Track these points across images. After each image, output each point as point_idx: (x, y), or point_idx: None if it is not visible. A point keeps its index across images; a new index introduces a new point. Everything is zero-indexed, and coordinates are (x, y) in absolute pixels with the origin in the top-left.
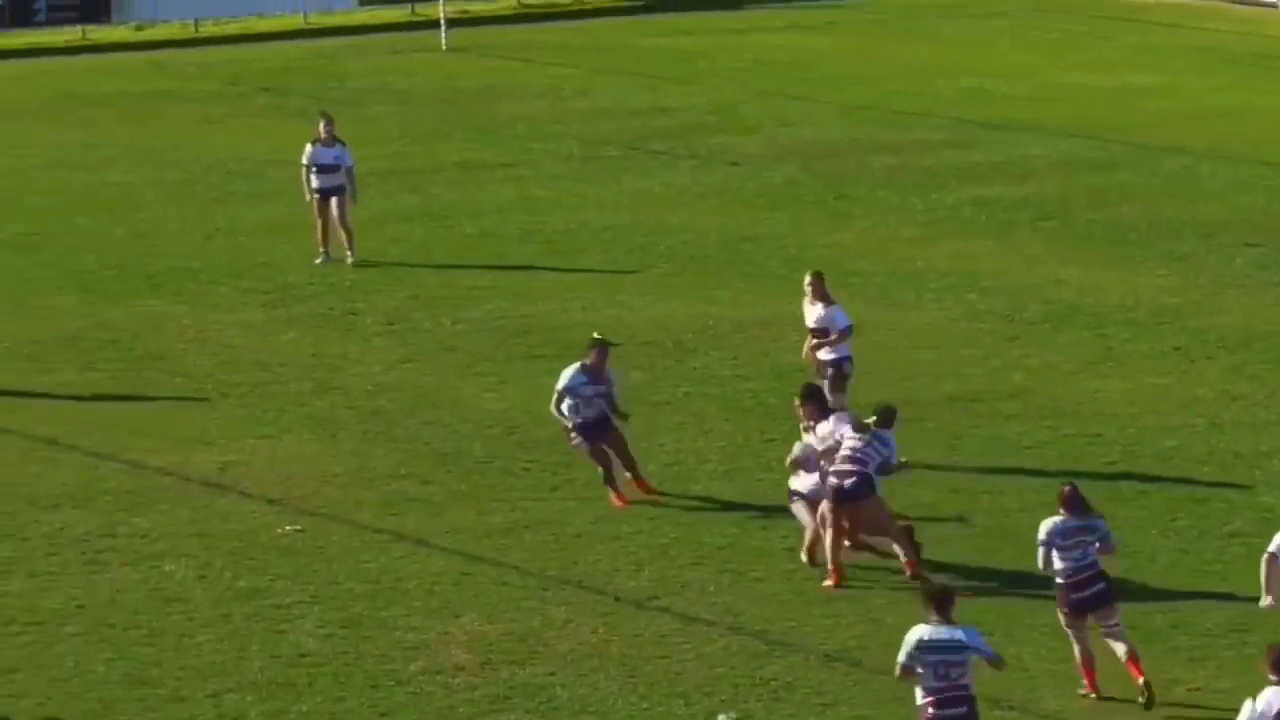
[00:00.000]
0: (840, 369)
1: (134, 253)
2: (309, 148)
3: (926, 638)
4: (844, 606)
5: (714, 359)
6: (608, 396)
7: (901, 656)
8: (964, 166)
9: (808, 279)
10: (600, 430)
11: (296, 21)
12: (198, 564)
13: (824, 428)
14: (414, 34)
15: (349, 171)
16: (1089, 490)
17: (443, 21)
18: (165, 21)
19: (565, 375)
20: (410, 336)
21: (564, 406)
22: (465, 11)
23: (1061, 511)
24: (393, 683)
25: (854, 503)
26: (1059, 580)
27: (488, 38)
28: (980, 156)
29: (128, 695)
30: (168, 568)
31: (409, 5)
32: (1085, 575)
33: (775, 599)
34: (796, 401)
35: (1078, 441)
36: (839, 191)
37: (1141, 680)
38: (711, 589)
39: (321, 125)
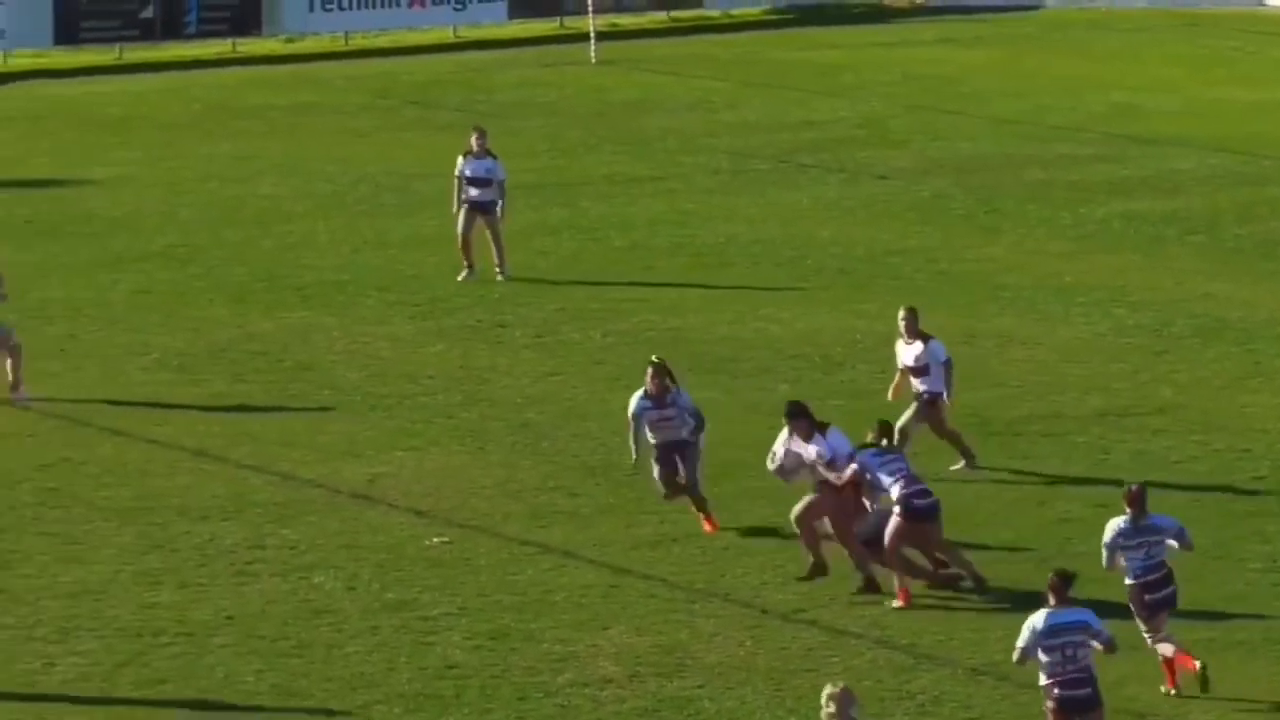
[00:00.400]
0: (935, 402)
1: (283, 265)
2: (461, 160)
3: (1049, 622)
4: (991, 620)
5: (861, 372)
6: (676, 420)
7: (1021, 642)
8: (1113, 181)
9: (901, 314)
10: (667, 455)
11: (446, 35)
12: (346, 575)
13: (812, 448)
14: (563, 47)
15: (501, 185)
16: (1237, 505)
17: (592, 35)
18: (315, 34)
19: (631, 402)
20: (559, 349)
21: (635, 434)
22: (615, 25)
23: (1127, 511)
24: (540, 695)
25: (930, 521)
26: (1129, 581)
27: (637, 51)
28: (1129, 171)
29: (277, 706)
30: (316, 579)
31: (558, 19)
32: (1156, 576)
33: (922, 612)
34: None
35: (1226, 456)
36: (988, 205)
37: (1198, 664)
38: (859, 602)
39: (474, 138)
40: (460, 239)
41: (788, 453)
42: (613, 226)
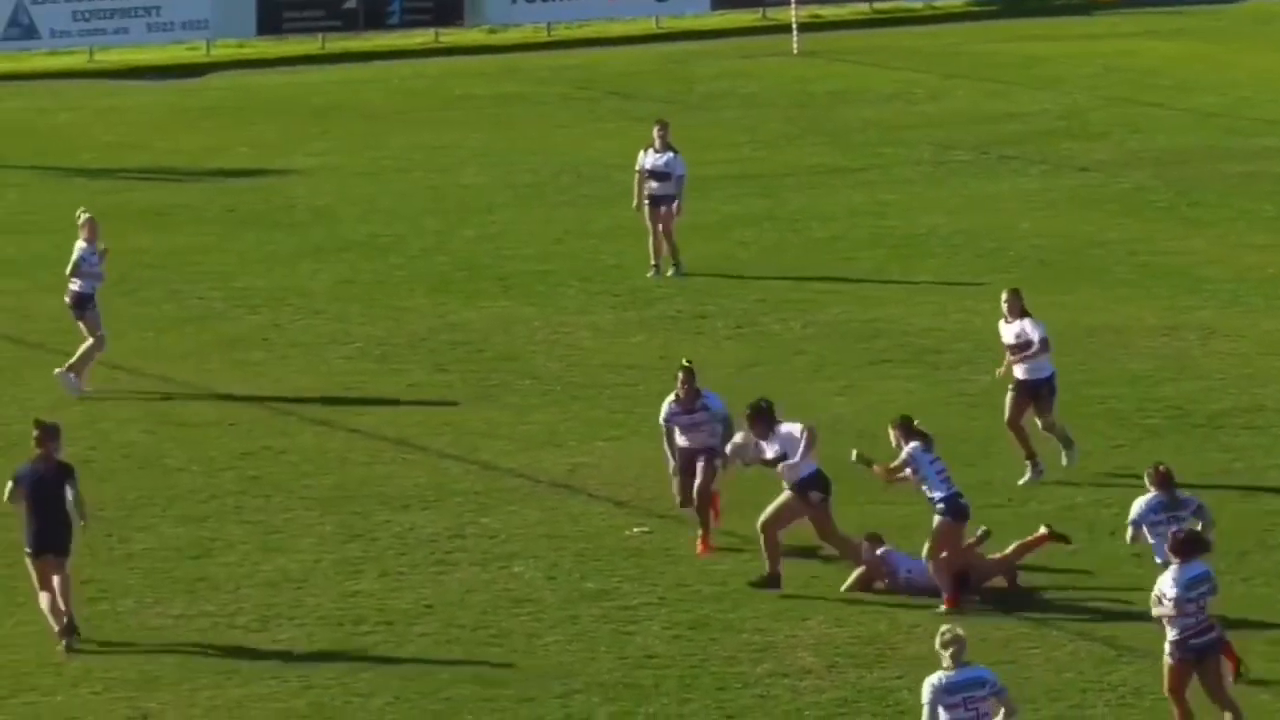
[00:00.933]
0: (1039, 389)
1: (484, 254)
2: (642, 154)
3: (1185, 579)
4: None
5: (1062, 364)
6: (706, 425)
7: (1170, 604)
8: None
9: (1004, 296)
10: (689, 462)
11: (648, 26)
12: (546, 565)
13: (770, 449)
14: (765, 38)
15: (679, 180)
16: None
17: (794, 26)
18: (518, 25)
19: (663, 408)
20: (759, 340)
21: (668, 441)
22: (817, 16)
23: (1152, 490)
24: (739, 685)
25: (966, 523)
26: (1158, 560)
27: (839, 42)
28: None
29: (476, 695)
30: (516, 569)
31: (761, 10)
32: None
33: (1123, 604)
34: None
35: None
36: (1189, 198)
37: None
38: (1064, 593)
39: (656, 131)
40: (650, 235)
41: (746, 446)
42: (813, 217)
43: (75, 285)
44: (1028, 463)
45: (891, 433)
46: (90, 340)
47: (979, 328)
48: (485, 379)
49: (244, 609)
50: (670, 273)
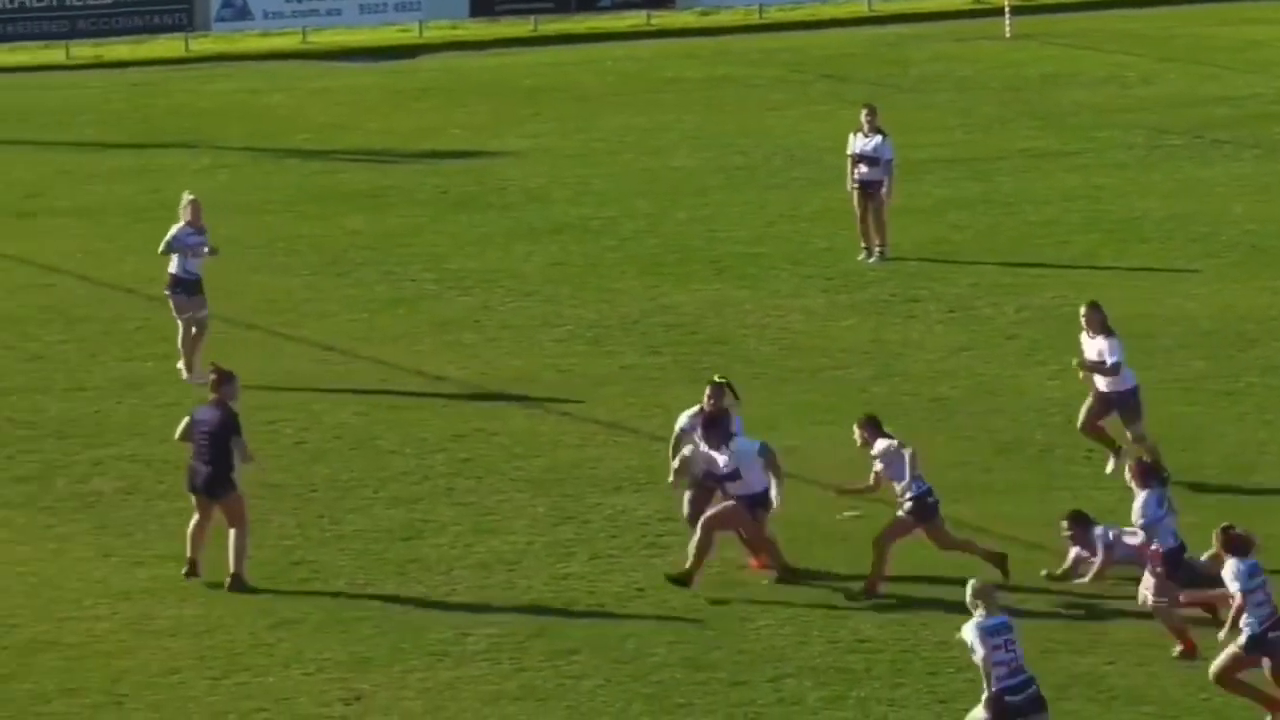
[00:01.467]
0: (1123, 400)
1: (696, 237)
2: (851, 137)
3: (1251, 569)
4: None
5: (1276, 350)
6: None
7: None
8: None
9: (1083, 310)
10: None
11: (860, 9)
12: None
13: (721, 458)
14: (978, 21)
15: (887, 164)
16: None
17: (1007, 9)
18: (729, 8)
19: (682, 417)
20: (971, 324)
21: (678, 452)
22: None
23: (1153, 485)
24: (951, 669)
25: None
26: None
27: (1051, 25)
28: None
29: (687, 679)
30: (728, 553)
31: None
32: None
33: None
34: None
35: None
36: None
37: None
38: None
39: (863, 115)
40: (859, 219)
41: (697, 454)
42: (1026, 201)
43: (172, 268)
44: (1111, 454)
45: (858, 432)
46: (189, 329)
47: (1192, 312)
48: (697, 361)
49: (456, 591)
50: (871, 259)
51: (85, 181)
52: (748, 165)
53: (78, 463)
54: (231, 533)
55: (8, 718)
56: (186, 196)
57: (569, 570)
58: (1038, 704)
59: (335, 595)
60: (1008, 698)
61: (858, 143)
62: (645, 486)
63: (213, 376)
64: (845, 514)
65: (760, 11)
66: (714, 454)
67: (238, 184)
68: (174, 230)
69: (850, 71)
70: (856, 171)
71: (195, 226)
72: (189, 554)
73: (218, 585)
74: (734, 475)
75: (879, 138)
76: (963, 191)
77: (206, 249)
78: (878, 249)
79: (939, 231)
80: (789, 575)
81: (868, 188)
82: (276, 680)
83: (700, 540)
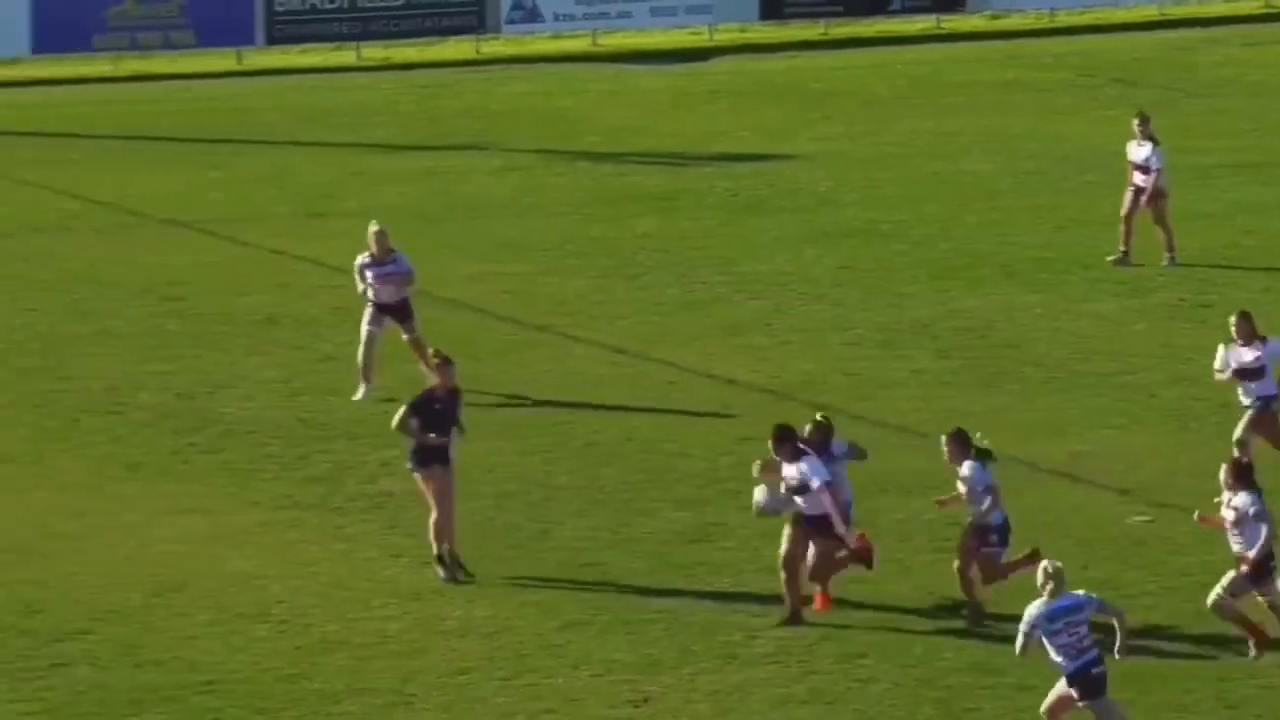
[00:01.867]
0: (1268, 408)
1: (987, 241)
2: (1129, 145)
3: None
4: None
5: None
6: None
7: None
8: None
9: (1233, 320)
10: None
11: (1151, 13)
12: (1047, 553)
13: (792, 469)
14: (1269, 26)
15: (1158, 174)
16: None
17: None
18: (1020, 12)
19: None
20: (1265, 329)
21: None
22: None
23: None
24: (1241, 675)
25: None
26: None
27: None
28: None
29: (975, 684)
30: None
31: None
32: None
33: None
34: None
35: None
36: None
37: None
38: None
39: (1136, 124)
40: (1123, 218)
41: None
42: None
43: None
44: None
45: (945, 446)
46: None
47: None
48: (988, 366)
49: (745, 594)
50: (1164, 263)
51: (376, 183)
52: (1038, 169)
53: (367, 463)
54: (447, 502)
55: (298, 717)
56: (373, 227)
57: (867, 575)
58: (1096, 687)
59: (623, 595)
60: (1077, 676)
61: (1132, 150)
62: (935, 490)
63: (437, 362)
64: (1136, 519)
65: (1051, 15)
66: (787, 468)
67: (529, 186)
68: (357, 262)
69: (1140, 76)
70: (1134, 178)
71: (378, 259)
72: (437, 547)
73: (502, 583)
74: (803, 489)
75: (1151, 145)
76: (1253, 196)
77: (398, 277)
78: (1166, 256)
79: (1230, 236)
80: (794, 616)
81: (1139, 194)
82: (565, 681)
83: (787, 587)
